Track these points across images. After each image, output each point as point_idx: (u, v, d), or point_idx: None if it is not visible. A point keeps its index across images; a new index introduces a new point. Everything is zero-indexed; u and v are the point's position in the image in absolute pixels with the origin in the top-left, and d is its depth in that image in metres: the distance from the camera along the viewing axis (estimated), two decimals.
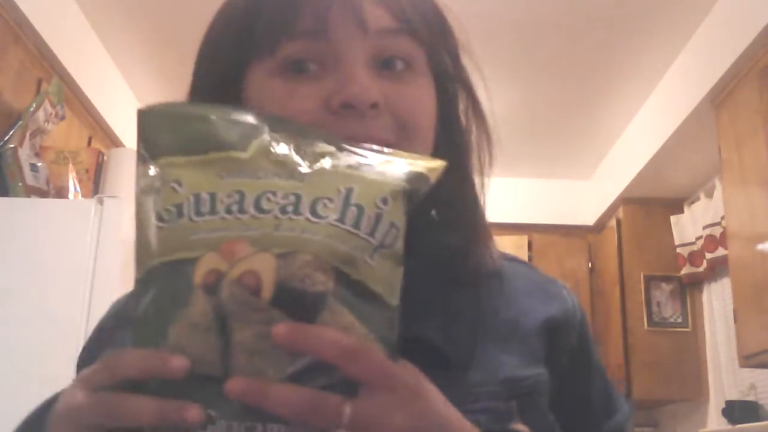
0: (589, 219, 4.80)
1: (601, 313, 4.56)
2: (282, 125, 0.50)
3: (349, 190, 0.46)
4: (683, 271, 4.09)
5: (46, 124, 2.69)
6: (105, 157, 2.84)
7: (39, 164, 2.54)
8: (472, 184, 0.69)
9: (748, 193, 2.90)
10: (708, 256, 3.79)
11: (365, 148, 0.50)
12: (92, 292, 2.22)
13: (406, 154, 0.51)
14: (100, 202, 2.35)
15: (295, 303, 0.42)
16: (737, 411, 3.34)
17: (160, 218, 0.46)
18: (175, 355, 0.42)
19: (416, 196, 0.48)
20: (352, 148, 0.49)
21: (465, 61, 0.70)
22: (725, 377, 3.86)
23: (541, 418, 0.58)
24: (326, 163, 0.48)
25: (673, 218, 4.17)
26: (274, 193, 0.45)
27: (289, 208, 0.44)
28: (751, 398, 3.48)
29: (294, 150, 0.48)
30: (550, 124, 4.18)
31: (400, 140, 0.57)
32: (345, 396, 0.42)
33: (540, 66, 3.60)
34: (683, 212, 4.16)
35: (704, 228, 3.81)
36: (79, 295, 2.20)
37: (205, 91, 0.61)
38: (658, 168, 3.89)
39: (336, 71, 0.56)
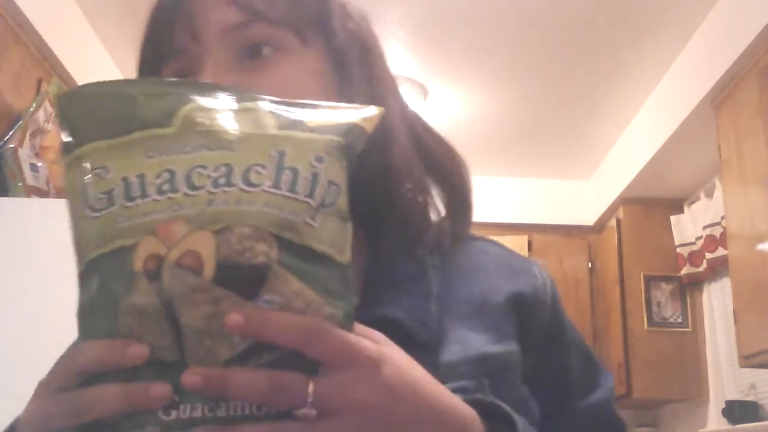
0: (589, 219, 4.80)
1: (601, 313, 4.56)
2: (204, 90, 0.48)
3: (281, 153, 0.44)
4: (683, 271, 4.09)
5: (46, 124, 2.69)
6: None
7: (39, 164, 2.54)
8: (400, 151, 0.62)
9: (748, 193, 2.90)
10: (708, 256, 3.79)
11: (295, 104, 0.48)
12: None
13: (340, 105, 0.49)
14: None
15: (238, 278, 0.41)
16: (737, 411, 3.34)
17: (91, 208, 0.44)
18: (132, 343, 0.41)
19: (353, 149, 0.47)
20: (281, 105, 0.47)
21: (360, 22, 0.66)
22: (725, 377, 3.86)
23: (514, 393, 0.57)
24: (255, 125, 0.46)
25: (673, 218, 4.17)
26: (204, 167, 0.43)
27: (221, 181, 0.43)
28: (751, 398, 3.48)
29: (220, 116, 0.46)
30: (550, 125, 4.18)
31: None
32: (302, 370, 0.41)
33: (540, 66, 3.60)
34: (683, 212, 4.16)
35: (704, 228, 3.81)
36: None
37: None
38: (658, 168, 3.89)
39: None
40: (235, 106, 0.47)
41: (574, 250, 4.74)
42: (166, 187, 0.43)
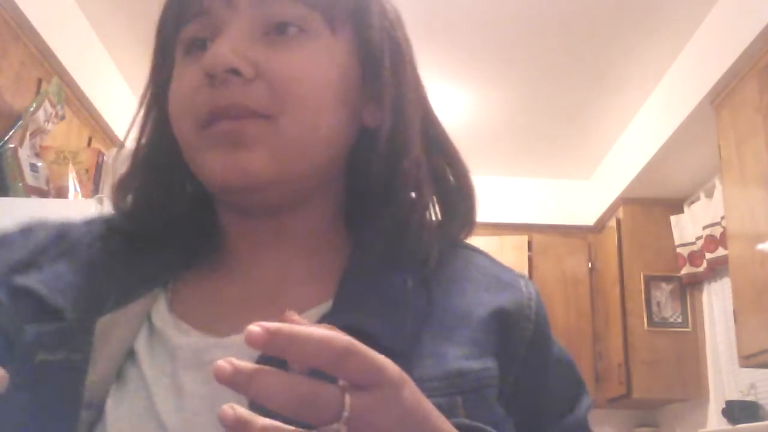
0: (589, 219, 4.80)
1: (601, 313, 4.56)
2: None
3: None
4: (683, 271, 4.09)
5: (46, 124, 2.69)
6: (105, 157, 2.84)
7: (39, 164, 2.54)
8: (411, 160, 0.60)
9: (748, 193, 2.90)
10: (708, 256, 3.79)
11: None
12: None
13: None
14: (100, 202, 2.35)
15: None
16: (737, 411, 3.34)
17: None
18: None
19: None
20: None
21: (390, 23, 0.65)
22: (725, 377, 3.86)
23: (488, 414, 0.54)
24: None
25: (673, 218, 4.17)
26: None
27: None
28: (751, 398, 3.48)
29: None
30: (551, 124, 4.18)
31: (274, 111, 0.54)
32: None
33: (540, 66, 3.60)
34: (683, 212, 4.16)
35: (704, 228, 3.81)
36: None
37: (155, 74, 0.63)
38: (658, 168, 3.89)
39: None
40: None
41: (573, 250, 4.74)
42: None
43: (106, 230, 0.63)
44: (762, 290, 2.76)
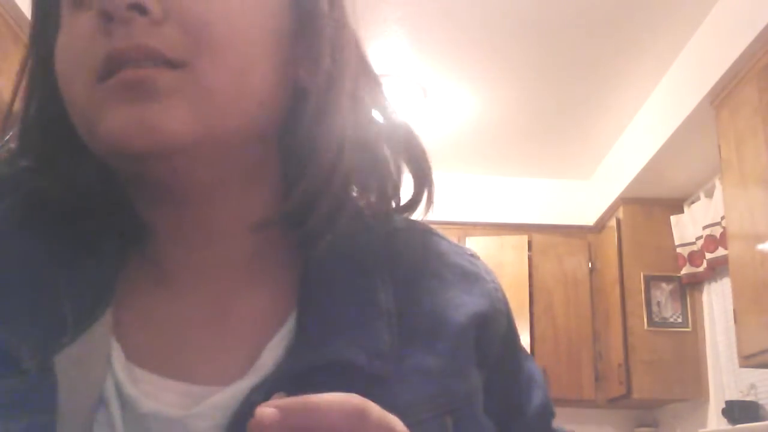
0: (589, 219, 4.80)
1: (601, 313, 4.56)
2: None
3: None
4: (683, 271, 4.09)
5: None
6: None
7: None
8: (342, 123, 0.50)
9: (748, 193, 2.90)
10: (708, 256, 3.79)
11: None
12: None
13: None
14: None
15: None
16: (737, 411, 3.34)
17: None
18: None
19: None
20: None
21: None
22: (725, 377, 3.86)
23: (477, 427, 0.53)
24: None
25: (673, 218, 4.17)
26: None
27: None
28: (751, 398, 3.48)
29: None
30: (551, 125, 4.18)
31: (189, 55, 0.43)
32: None
33: (540, 66, 3.60)
34: (683, 212, 4.16)
35: (704, 228, 3.81)
36: None
37: (38, 30, 0.51)
38: (658, 168, 3.89)
39: None
40: None
41: (574, 250, 4.74)
42: None
43: (21, 212, 0.49)
44: (762, 290, 2.76)
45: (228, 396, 0.45)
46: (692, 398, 4.06)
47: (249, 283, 0.51)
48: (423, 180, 0.56)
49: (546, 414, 0.62)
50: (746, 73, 2.88)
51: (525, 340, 4.46)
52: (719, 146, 3.11)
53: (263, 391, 0.44)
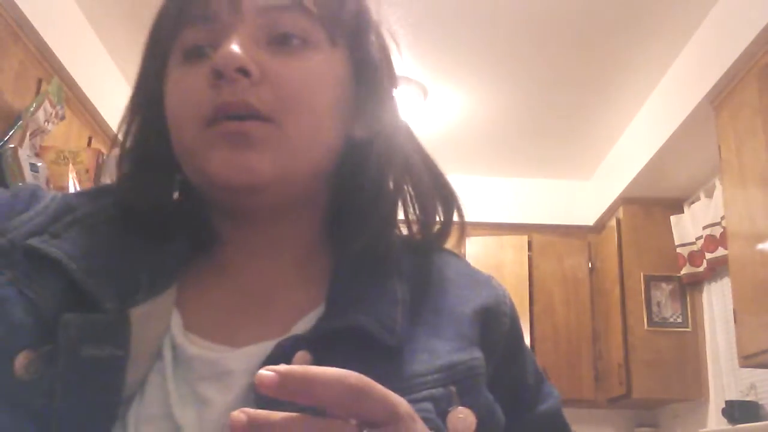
0: (589, 219, 4.80)
1: (601, 313, 4.56)
2: None
3: None
4: (683, 271, 4.09)
5: (46, 124, 2.69)
6: (105, 157, 2.84)
7: (39, 164, 2.54)
8: (398, 171, 0.64)
9: (748, 193, 2.90)
10: (708, 256, 3.79)
11: None
12: None
13: None
14: None
15: None
16: (737, 411, 3.34)
17: None
18: None
19: None
20: None
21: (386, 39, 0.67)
22: (725, 377, 3.86)
23: (480, 399, 0.57)
24: None
25: (673, 218, 4.17)
26: None
27: None
28: (751, 398, 3.48)
29: None
30: (550, 125, 4.18)
31: (279, 113, 0.55)
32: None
33: (540, 66, 3.60)
34: (683, 212, 4.16)
35: (704, 228, 3.81)
36: None
37: (146, 79, 0.64)
38: (658, 168, 3.89)
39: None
40: None
41: (574, 250, 4.74)
42: None
43: (114, 212, 0.62)
44: (762, 290, 2.76)
45: (260, 348, 0.54)
46: (692, 398, 4.06)
47: (289, 280, 0.61)
48: (450, 211, 0.67)
49: (560, 423, 0.71)
50: (746, 74, 2.88)
51: (525, 340, 4.45)
52: (719, 146, 3.11)
53: (290, 343, 0.52)
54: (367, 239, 0.60)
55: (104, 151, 3.00)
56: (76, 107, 3.24)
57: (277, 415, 0.38)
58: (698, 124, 3.34)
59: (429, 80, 3.74)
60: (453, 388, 0.54)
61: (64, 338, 0.50)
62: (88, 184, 2.74)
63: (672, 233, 4.16)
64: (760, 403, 3.43)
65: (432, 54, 3.50)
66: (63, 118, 2.84)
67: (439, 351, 0.56)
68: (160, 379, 0.53)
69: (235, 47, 0.54)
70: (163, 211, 0.61)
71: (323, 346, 0.52)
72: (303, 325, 0.56)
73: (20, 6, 2.64)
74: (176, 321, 0.57)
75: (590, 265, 4.71)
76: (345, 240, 0.61)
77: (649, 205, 4.31)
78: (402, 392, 0.44)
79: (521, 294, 4.56)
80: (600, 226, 4.73)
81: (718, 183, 3.59)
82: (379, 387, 0.40)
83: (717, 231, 3.68)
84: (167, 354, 0.54)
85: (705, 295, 4.12)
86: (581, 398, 4.45)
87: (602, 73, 3.62)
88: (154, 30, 0.62)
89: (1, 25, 2.62)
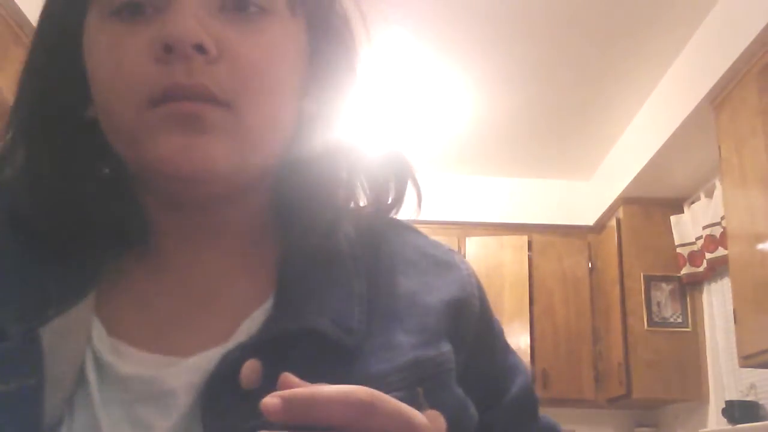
0: (589, 219, 4.80)
1: (601, 313, 4.56)
2: None
3: None
4: (683, 271, 4.09)
5: None
6: None
7: None
8: (346, 149, 0.57)
9: (748, 193, 2.90)
10: (708, 256, 3.79)
11: None
12: None
13: None
14: None
15: None
16: (737, 411, 3.34)
17: None
18: None
19: None
20: None
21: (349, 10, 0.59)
22: (725, 377, 3.86)
23: (450, 398, 0.54)
24: None
25: (673, 218, 4.18)
26: None
27: None
28: (751, 398, 3.48)
29: None
30: (551, 125, 4.18)
31: (236, 97, 0.48)
32: None
33: (540, 67, 3.60)
34: (683, 212, 4.17)
35: (704, 228, 3.81)
36: None
37: (44, 53, 0.54)
38: (658, 168, 3.89)
39: (166, 11, 0.48)
40: None
41: (573, 250, 4.74)
42: None
43: (10, 217, 0.53)
44: (762, 290, 2.76)
45: (203, 359, 0.48)
46: (692, 398, 4.06)
47: (234, 272, 0.55)
48: (403, 181, 0.60)
49: (529, 401, 0.64)
50: (746, 74, 2.88)
51: (525, 340, 4.46)
52: (719, 146, 3.11)
53: (237, 354, 0.47)
54: (321, 231, 0.54)
55: None
56: None
57: None
58: (698, 124, 3.34)
59: (429, 80, 3.74)
60: (419, 390, 0.50)
61: None
62: None
63: (672, 233, 4.16)
64: (760, 403, 3.43)
65: (433, 54, 3.50)
66: None
67: (402, 346, 0.52)
68: (89, 401, 0.47)
69: (189, 19, 0.47)
70: (76, 207, 0.52)
71: (273, 351, 0.47)
72: (250, 324, 0.51)
73: (20, 6, 2.64)
74: (99, 332, 0.50)
75: (590, 265, 4.71)
76: (293, 227, 0.55)
77: (649, 205, 4.31)
78: None
79: (521, 294, 4.56)
80: (600, 226, 4.73)
81: (718, 183, 3.59)
82: (390, 401, 0.38)
83: (717, 231, 3.68)
84: (90, 374, 0.48)
85: (705, 295, 4.12)
86: (581, 398, 4.46)
87: (602, 73, 3.62)
88: None
89: (1, 25, 2.62)
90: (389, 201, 0.59)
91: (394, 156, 0.60)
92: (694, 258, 4.02)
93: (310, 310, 0.50)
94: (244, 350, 0.47)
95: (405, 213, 0.61)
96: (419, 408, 0.46)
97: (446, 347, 0.55)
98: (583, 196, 4.85)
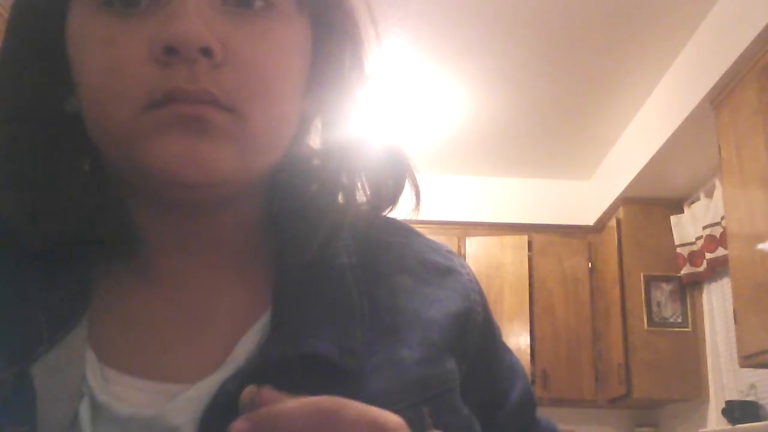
0: (589, 219, 4.80)
1: (601, 313, 4.56)
2: None
3: None
4: (683, 271, 4.09)
5: None
6: None
7: None
8: (346, 152, 0.54)
9: (748, 193, 2.90)
10: (708, 256, 3.79)
11: None
12: None
13: None
14: None
15: None
16: (737, 411, 3.35)
17: None
18: None
19: None
20: None
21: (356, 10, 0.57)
22: (725, 377, 3.86)
23: (455, 418, 0.52)
24: None
25: (673, 218, 4.18)
26: None
27: None
28: (751, 398, 3.48)
29: None
30: (551, 125, 4.18)
31: (242, 102, 0.45)
32: None
33: (540, 67, 3.60)
34: (683, 212, 4.17)
35: (704, 228, 3.81)
36: None
37: (18, 43, 0.50)
38: (658, 168, 3.89)
39: (166, 6, 0.44)
40: None
41: (573, 250, 4.74)
42: None
43: None
44: (762, 290, 2.76)
45: (201, 390, 0.46)
46: (692, 398, 4.06)
47: (227, 286, 0.52)
48: (401, 176, 0.57)
49: (529, 403, 0.63)
50: (746, 74, 2.88)
51: (525, 340, 4.46)
52: (719, 146, 3.11)
53: (236, 384, 0.45)
54: (319, 241, 0.51)
55: None
56: None
57: None
58: (698, 124, 3.34)
59: (429, 81, 3.74)
60: (425, 409, 0.47)
61: None
62: None
63: (672, 233, 4.16)
64: (760, 403, 3.43)
65: (432, 54, 3.50)
66: None
67: (405, 362, 0.50)
68: None
69: (194, 19, 0.43)
70: (60, 207, 0.49)
71: (271, 376, 0.44)
72: (246, 343, 0.49)
73: None
74: (92, 364, 0.47)
75: (590, 265, 4.71)
76: (289, 237, 0.53)
77: (649, 205, 4.31)
78: None
79: (521, 294, 4.56)
80: (600, 226, 4.73)
81: (718, 183, 3.59)
82: (354, 405, 0.37)
83: (717, 231, 3.68)
84: (84, 415, 0.45)
85: (705, 295, 4.12)
86: (581, 398, 4.46)
87: (603, 73, 3.62)
88: None
89: (1, 26, 2.62)
90: (388, 198, 0.57)
91: (394, 151, 0.58)
92: (694, 258, 4.02)
93: (309, 332, 0.48)
94: (243, 379, 0.45)
95: (404, 213, 0.59)
96: (425, 428, 0.46)
97: (451, 364, 0.53)
98: (583, 196, 4.85)
